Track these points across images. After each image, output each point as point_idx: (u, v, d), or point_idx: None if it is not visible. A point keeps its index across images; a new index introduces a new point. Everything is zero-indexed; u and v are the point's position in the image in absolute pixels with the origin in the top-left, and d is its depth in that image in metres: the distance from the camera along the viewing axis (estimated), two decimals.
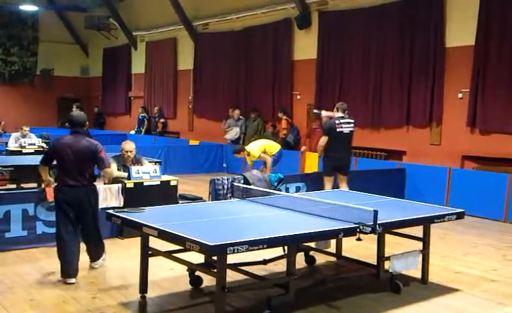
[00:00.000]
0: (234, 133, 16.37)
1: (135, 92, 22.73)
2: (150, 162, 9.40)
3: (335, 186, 9.54)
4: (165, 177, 8.52)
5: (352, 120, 9.78)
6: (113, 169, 8.28)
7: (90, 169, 6.22)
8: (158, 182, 8.19)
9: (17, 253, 6.98)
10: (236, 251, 4.39)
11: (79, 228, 6.20)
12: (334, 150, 9.49)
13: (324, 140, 9.58)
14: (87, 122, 6.48)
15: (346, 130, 9.57)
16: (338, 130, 9.49)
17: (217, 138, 17.09)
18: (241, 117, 16.54)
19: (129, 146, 8.48)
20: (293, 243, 5.14)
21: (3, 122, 19.12)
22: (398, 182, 11.09)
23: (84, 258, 6.73)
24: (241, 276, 5.69)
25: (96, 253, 6.45)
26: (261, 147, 11.12)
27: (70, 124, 6.35)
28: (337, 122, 9.56)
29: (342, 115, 9.65)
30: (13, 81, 24.26)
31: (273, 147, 11.35)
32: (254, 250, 4.54)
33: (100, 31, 23.31)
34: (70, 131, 6.27)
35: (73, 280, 5.93)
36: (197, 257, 5.36)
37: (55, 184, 6.27)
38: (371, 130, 13.34)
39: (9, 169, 10.22)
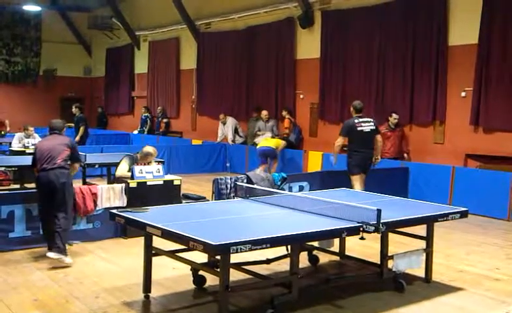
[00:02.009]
0: (269, 137, 15.01)
1: (138, 92, 22.75)
2: (154, 161, 9.39)
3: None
4: (168, 177, 8.53)
5: (371, 119, 9.79)
6: (123, 169, 8.33)
7: (64, 155, 6.80)
8: (161, 182, 8.19)
9: (21, 253, 7.00)
10: (239, 250, 4.39)
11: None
12: (357, 149, 9.50)
13: (340, 141, 9.60)
14: (65, 129, 7.23)
15: (366, 129, 9.54)
16: (358, 128, 9.48)
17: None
18: (270, 117, 15.48)
19: (155, 154, 8.63)
20: (296, 242, 5.15)
21: (7, 122, 19.14)
22: (401, 181, 11.07)
23: (86, 258, 6.74)
24: (244, 276, 5.69)
25: (61, 233, 6.63)
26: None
27: (50, 129, 7.11)
28: (355, 121, 9.53)
29: (360, 114, 9.64)
30: (16, 82, 24.33)
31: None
32: (257, 249, 4.54)
33: (103, 31, 23.36)
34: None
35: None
36: (200, 257, 5.37)
37: None
38: None
39: (13, 169, 10.24)
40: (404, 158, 12.20)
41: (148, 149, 8.53)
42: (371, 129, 9.62)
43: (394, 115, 12.18)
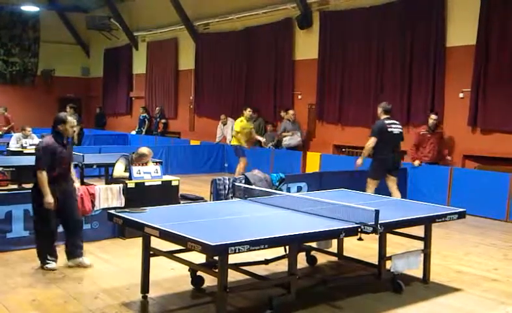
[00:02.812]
0: (298, 138, 14.62)
1: (136, 92, 22.74)
2: (151, 162, 9.40)
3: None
4: (166, 177, 8.53)
5: (398, 122, 9.64)
6: (120, 170, 8.34)
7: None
8: (159, 183, 8.20)
9: (18, 254, 6.99)
10: (237, 251, 4.39)
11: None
12: (384, 152, 9.26)
13: (373, 141, 9.30)
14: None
15: (396, 131, 9.38)
16: (389, 130, 9.29)
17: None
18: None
19: (151, 155, 8.61)
20: (294, 243, 5.15)
21: (13, 123, 19.20)
22: (399, 182, 11.02)
23: (85, 258, 6.73)
24: (242, 276, 5.69)
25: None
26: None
27: None
28: (386, 122, 9.32)
29: (388, 115, 9.44)
30: (14, 82, 24.31)
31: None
32: (255, 249, 4.54)
33: (101, 31, 23.32)
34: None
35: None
36: (198, 257, 5.37)
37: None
38: None
39: (10, 169, 10.23)
40: (446, 162, 11.35)
41: (143, 149, 8.53)
42: (399, 132, 9.46)
43: (433, 116, 11.30)
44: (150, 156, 8.57)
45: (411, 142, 12.55)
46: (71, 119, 6.53)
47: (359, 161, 9.55)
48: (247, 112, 13.07)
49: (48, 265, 6.38)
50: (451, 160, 11.42)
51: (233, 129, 13.51)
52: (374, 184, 9.32)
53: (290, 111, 14.74)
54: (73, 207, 6.61)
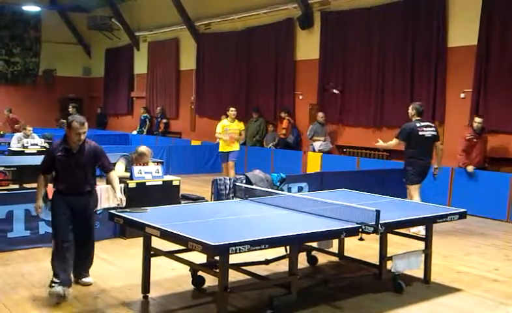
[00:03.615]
0: (330, 145, 13.99)
1: (137, 92, 22.75)
2: (152, 162, 9.41)
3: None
4: (167, 177, 8.54)
5: (432, 124, 9.29)
6: (120, 170, 8.35)
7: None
8: (160, 183, 8.21)
9: (19, 253, 7.00)
10: (238, 251, 4.39)
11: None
12: (419, 155, 8.77)
13: (394, 144, 8.96)
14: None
15: (428, 134, 8.84)
16: (420, 133, 8.77)
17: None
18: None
19: (150, 154, 8.58)
20: (295, 243, 5.15)
21: (21, 123, 19.24)
22: (400, 182, 11.04)
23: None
24: (243, 276, 5.69)
25: None
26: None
27: None
28: (417, 125, 8.82)
29: (421, 117, 8.96)
30: (15, 82, 24.34)
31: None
32: (256, 250, 4.54)
33: (103, 32, 23.36)
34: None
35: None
36: (199, 257, 5.37)
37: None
38: (373, 130, 13.32)
39: (12, 169, 10.23)
40: (485, 167, 10.80)
41: (142, 148, 8.56)
42: (432, 134, 8.90)
43: (478, 119, 10.57)
44: (149, 155, 8.57)
45: None
46: (77, 124, 5.49)
47: (381, 143, 9.34)
48: (231, 112, 12.17)
49: (51, 289, 5.44)
50: (487, 165, 10.92)
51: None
52: (415, 190, 8.86)
53: (320, 114, 14.03)
54: (84, 225, 5.79)
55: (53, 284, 5.46)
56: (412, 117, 9.01)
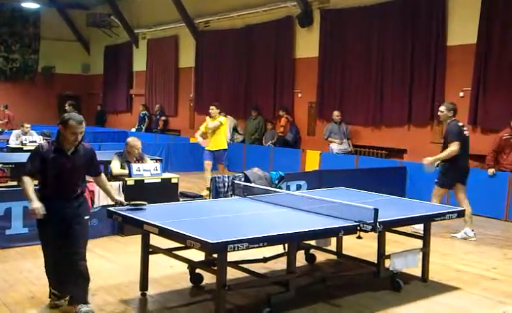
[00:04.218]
0: (347, 147, 13.31)
1: (136, 89, 22.74)
2: (151, 159, 9.42)
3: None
4: (166, 175, 8.54)
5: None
6: (116, 167, 8.36)
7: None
8: (159, 180, 8.21)
9: (17, 251, 6.99)
10: (236, 249, 4.39)
11: None
12: (462, 158, 8.34)
13: (457, 149, 8.19)
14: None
15: (467, 134, 8.54)
16: (465, 133, 8.36)
17: None
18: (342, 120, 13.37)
19: (137, 143, 8.54)
20: (293, 241, 5.15)
21: (12, 117, 19.26)
22: (399, 181, 11.08)
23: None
24: (241, 274, 5.68)
25: None
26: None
27: None
28: (460, 124, 8.38)
29: (455, 116, 8.48)
30: (14, 79, 24.32)
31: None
32: (254, 247, 4.54)
33: (102, 29, 23.34)
34: None
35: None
36: (197, 255, 5.37)
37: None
38: (372, 129, 13.35)
39: (10, 166, 10.22)
40: None
41: (128, 140, 8.63)
42: (468, 135, 8.60)
43: None
44: (133, 143, 8.47)
45: (411, 141, 12.56)
46: (75, 123, 4.86)
47: (429, 168, 8.49)
48: (210, 110, 11.72)
49: (52, 301, 5.15)
50: None
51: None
52: (440, 193, 8.57)
53: (335, 112, 13.37)
54: (72, 238, 4.99)
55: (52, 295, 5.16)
56: (447, 118, 8.43)
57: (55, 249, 5.00)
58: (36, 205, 4.83)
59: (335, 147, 13.28)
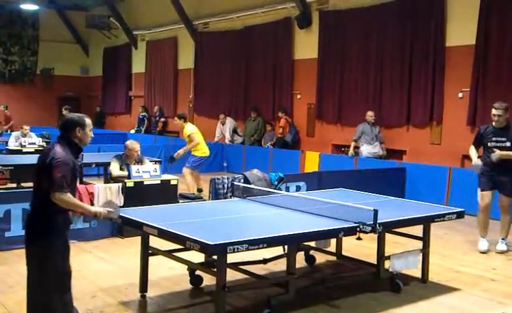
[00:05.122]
0: (380, 151, 12.46)
1: (135, 91, 22.74)
2: (150, 161, 9.43)
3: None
4: (165, 176, 8.54)
5: None
6: (115, 169, 8.39)
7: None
8: (158, 182, 8.21)
9: (17, 253, 6.96)
10: (236, 250, 4.39)
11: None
12: None
13: None
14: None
15: None
16: None
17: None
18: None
19: (136, 146, 8.64)
20: (293, 242, 5.15)
21: (12, 122, 19.25)
22: (398, 182, 11.08)
23: (83, 257, 6.72)
24: (241, 276, 5.69)
25: None
26: (194, 131, 11.06)
27: None
28: None
29: None
30: (13, 81, 24.31)
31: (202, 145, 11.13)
32: (254, 249, 4.54)
33: (101, 30, 23.34)
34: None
35: None
36: (197, 257, 5.37)
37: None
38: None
39: (9, 168, 10.23)
40: None
41: (126, 143, 8.74)
42: None
43: None
44: (132, 146, 8.58)
45: (410, 142, 12.54)
46: (90, 120, 4.55)
47: (479, 166, 7.96)
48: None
49: None
50: None
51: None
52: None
53: (369, 112, 12.43)
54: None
55: None
56: (505, 121, 7.65)
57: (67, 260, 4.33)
58: (99, 209, 4.51)
59: (365, 149, 12.37)
